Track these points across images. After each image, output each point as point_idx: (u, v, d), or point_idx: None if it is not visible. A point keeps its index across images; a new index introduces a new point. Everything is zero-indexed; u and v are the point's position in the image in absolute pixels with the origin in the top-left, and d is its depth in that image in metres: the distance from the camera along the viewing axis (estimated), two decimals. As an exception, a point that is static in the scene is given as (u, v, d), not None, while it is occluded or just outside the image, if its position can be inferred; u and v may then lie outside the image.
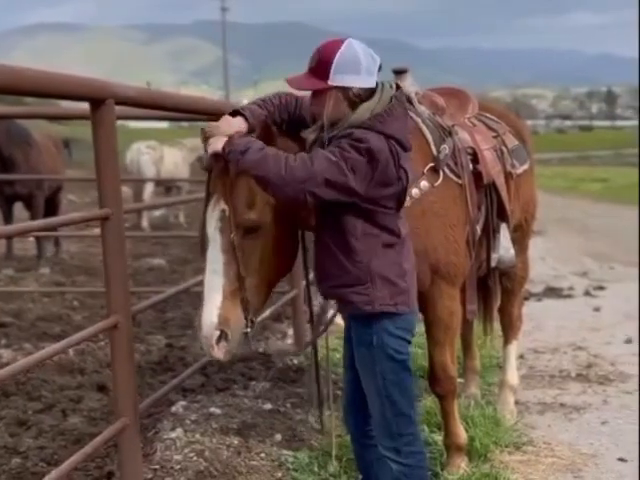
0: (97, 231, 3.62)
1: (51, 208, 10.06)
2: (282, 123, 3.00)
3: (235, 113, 2.91)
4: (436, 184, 3.41)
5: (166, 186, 15.01)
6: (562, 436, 4.48)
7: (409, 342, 2.97)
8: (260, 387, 4.82)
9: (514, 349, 4.82)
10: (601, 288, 9.08)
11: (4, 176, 9.13)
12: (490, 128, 4.12)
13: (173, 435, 3.87)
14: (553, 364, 5.95)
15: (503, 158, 4.05)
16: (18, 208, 10.10)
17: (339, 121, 2.76)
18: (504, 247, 4.00)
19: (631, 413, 4.83)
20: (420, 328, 3.73)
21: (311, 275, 3.26)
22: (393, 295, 2.83)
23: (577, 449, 4.29)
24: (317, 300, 3.83)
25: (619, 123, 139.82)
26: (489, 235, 3.89)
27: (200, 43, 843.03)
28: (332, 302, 3.35)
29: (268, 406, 4.46)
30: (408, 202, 3.22)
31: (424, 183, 3.37)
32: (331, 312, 3.64)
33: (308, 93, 2.88)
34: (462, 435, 3.78)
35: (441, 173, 3.45)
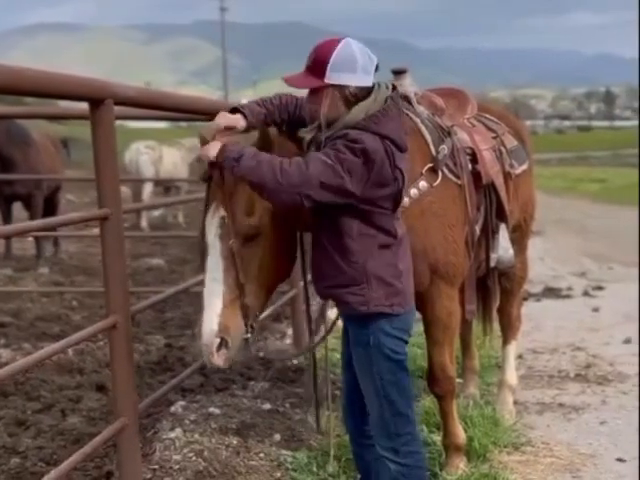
0: (96, 231, 3.62)
1: (50, 208, 10.05)
2: (282, 123, 3.01)
3: (234, 110, 2.92)
4: (435, 184, 3.41)
5: (165, 186, 15.01)
6: (561, 436, 4.48)
7: (406, 342, 2.97)
8: (259, 387, 4.82)
9: (513, 349, 4.83)
10: (600, 288, 9.09)
11: (3, 176, 9.12)
12: (489, 128, 4.13)
13: (172, 435, 3.87)
14: (552, 364, 5.96)
15: (502, 158, 4.06)
16: (17, 208, 10.10)
17: (335, 120, 2.77)
18: (503, 247, 4.00)
19: (629, 413, 4.84)
20: (419, 328, 3.73)
21: (309, 277, 3.25)
22: (389, 296, 2.84)
23: (576, 449, 4.30)
24: (315, 301, 3.84)
25: (618, 123, 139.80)
26: (488, 235, 3.89)
27: (200, 43, 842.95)
28: (331, 303, 3.35)
29: (267, 406, 4.46)
30: (407, 202, 3.24)
31: (423, 183, 3.38)
32: (330, 313, 3.64)
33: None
34: (461, 435, 3.78)
35: (440, 173, 3.45)
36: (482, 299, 4.52)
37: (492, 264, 4.00)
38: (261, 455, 3.83)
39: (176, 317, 6.95)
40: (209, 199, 2.89)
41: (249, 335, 2.87)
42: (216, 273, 2.80)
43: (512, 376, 4.74)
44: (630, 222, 14.36)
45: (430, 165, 3.43)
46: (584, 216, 17.52)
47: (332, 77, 2.74)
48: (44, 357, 2.79)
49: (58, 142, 10.82)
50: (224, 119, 2.88)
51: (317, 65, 2.76)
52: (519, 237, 4.47)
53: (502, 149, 4.10)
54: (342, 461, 3.75)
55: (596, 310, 7.92)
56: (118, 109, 3.05)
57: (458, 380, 4.27)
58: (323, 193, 2.65)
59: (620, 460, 4.16)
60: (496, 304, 4.57)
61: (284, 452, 3.90)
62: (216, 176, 2.81)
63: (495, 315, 4.75)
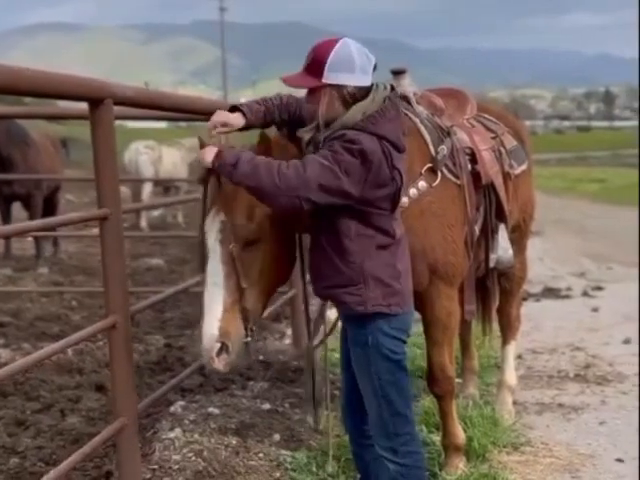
0: (95, 231, 3.62)
1: (49, 208, 10.05)
2: (282, 122, 3.02)
3: (233, 109, 2.93)
4: (434, 184, 3.41)
5: (164, 186, 15.00)
6: (560, 436, 4.49)
7: (404, 342, 2.97)
8: (258, 387, 4.82)
9: (512, 349, 4.83)
10: (599, 289, 9.09)
11: (2, 176, 9.11)
12: (488, 129, 4.13)
13: (172, 435, 3.87)
14: (551, 364, 5.96)
15: (501, 159, 4.06)
16: (16, 208, 10.10)
17: (333, 120, 2.77)
18: (502, 247, 4.00)
19: (629, 413, 4.84)
20: (418, 328, 3.73)
21: (307, 278, 3.25)
22: (386, 296, 2.84)
23: (575, 449, 4.30)
24: (315, 301, 3.84)
25: (617, 124, 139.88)
26: (487, 235, 3.89)
27: (199, 43, 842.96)
28: (330, 304, 3.35)
29: (266, 406, 4.46)
30: (406, 202, 3.24)
31: (422, 183, 3.38)
32: (330, 314, 3.64)
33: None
34: (460, 435, 3.78)
35: (439, 173, 3.45)
36: (481, 299, 4.52)
37: (491, 264, 4.00)
38: (260, 455, 3.84)
39: (175, 317, 6.95)
40: (208, 203, 2.89)
41: (249, 339, 2.88)
42: (216, 277, 2.81)
43: (511, 376, 4.74)
44: (629, 222, 14.36)
45: (429, 165, 3.43)
46: (583, 216, 17.53)
47: (330, 77, 2.74)
48: (43, 357, 2.79)
49: (57, 142, 10.81)
50: (221, 117, 2.89)
51: (315, 65, 2.76)
52: (518, 237, 4.47)
53: (501, 149, 4.10)
54: (341, 461, 3.75)
55: (595, 310, 7.92)
56: (117, 109, 3.05)
57: (457, 380, 4.28)
58: (322, 195, 2.65)
59: (619, 460, 4.16)
60: (495, 304, 4.57)
61: (283, 452, 3.90)
62: (214, 180, 2.82)
63: (494, 315, 4.75)
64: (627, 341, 6.52)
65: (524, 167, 4.34)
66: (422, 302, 3.42)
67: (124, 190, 13.18)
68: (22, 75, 2.44)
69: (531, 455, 4.18)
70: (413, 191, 3.33)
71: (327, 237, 2.82)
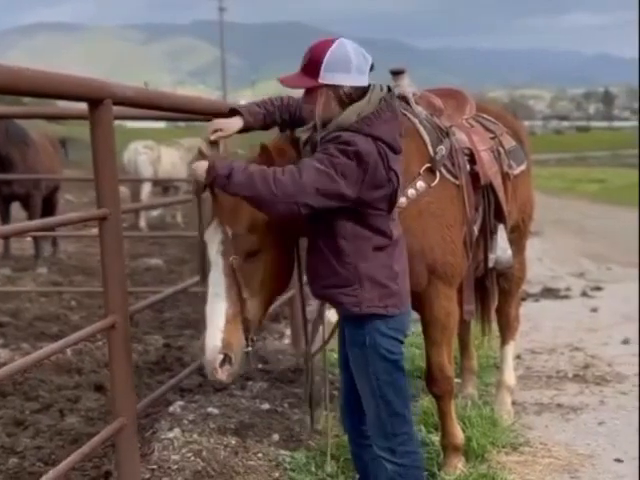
0: (95, 231, 3.62)
1: (48, 208, 10.05)
2: (283, 123, 3.03)
3: (232, 112, 2.93)
4: (433, 184, 3.41)
5: (163, 186, 15.00)
6: (559, 437, 4.49)
7: (402, 342, 2.98)
8: (257, 387, 4.82)
9: (511, 349, 4.83)
10: (598, 289, 9.09)
11: (1, 176, 9.11)
12: (487, 129, 4.13)
13: (171, 435, 3.87)
14: (550, 365, 5.96)
15: (500, 159, 4.06)
16: (15, 208, 10.09)
17: (330, 120, 2.77)
18: (501, 248, 4.00)
19: (628, 414, 4.84)
20: (417, 328, 3.74)
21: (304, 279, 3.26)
22: (383, 297, 2.84)
23: (574, 450, 4.30)
24: (314, 301, 3.84)
25: (616, 124, 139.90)
26: (486, 236, 3.89)
27: (198, 43, 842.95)
28: (329, 304, 3.35)
29: (266, 406, 4.46)
30: (404, 202, 3.24)
31: (420, 184, 3.38)
32: (329, 315, 3.64)
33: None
34: (459, 435, 3.79)
35: (438, 174, 3.45)
36: (480, 299, 4.53)
37: (490, 264, 4.00)
38: (259, 455, 3.84)
39: (174, 317, 6.95)
40: (208, 215, 2.90)
41: (250, 348, 2.90)
42: (219, 289, 2.82)
43: (510, 376, 4.74)
44: (629, 222, 14.38)
45: (428, 165, 3.43)
46: (583, 216, 17.54)
47: (326, 77, 2.75)
48: (42, 357, 2.79)
49: (56, 142, 10.82)
50: (218, 123, 2.92)
51: (311, 65, 2.77)
52: (517, 237, 4.48)
53: (500, 149, 4.10)
54: (340, 461, 3.75)
55: (594, 310, 7.92)
56: (116, 109, 3.05)
57: (456, 380, 4.27)
58: (320, 199, 2.65)
59: (618, 460, 4.17)
60: (494, 304, 4.57)
61: (282, 452, 3.90)
62: (210, 193, 2.83)
63: (493, 315, 4.75)
64: (626, 341, 6.53)
65: (523, 167, 4.34)
66: (421, 302, 3.43)
67: (123, 190, 13.18)
68: (22, 75, 2.43)
69: (530, 455, 4.19)
70: (411, 191, 3.33)
71: (323, 238, 2.83)
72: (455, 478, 3.68)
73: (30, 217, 9.52)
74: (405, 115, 3.47)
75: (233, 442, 3.89)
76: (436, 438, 3.95)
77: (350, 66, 2.75)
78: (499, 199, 3.90)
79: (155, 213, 14.91)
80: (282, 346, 5.97)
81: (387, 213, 2.84)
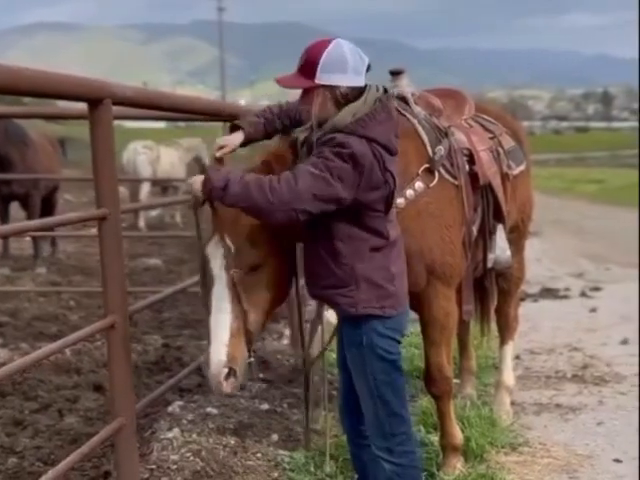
0: (94, 231, 3.62)
1: (48, 208, 10.04)
2: (285, 129, 3.05)
3: (234, 127, 3.02)
4: (431, 185, 3.42)
5: (162, 186, 15.00)
6: (558, 437, 4.49)
7: (399, 342, 2.98)
8: (257, 387, 4.82)
9: (510, 350, 4.83)
10: (597, 289, 9.10)
11: (1, 176, 9.10)
12: (487, 129, 4.13)
13: (170, 435, 3.87)
14: (549, 365, 5.97)
15: (499, 159, 4.06)
16: (14, 208, 10.09)
17: (326, 121, 2.78)
18: (500, 248, 4.00)
19: (627, 414, 4.85)
20: (416, 328, 3.74)
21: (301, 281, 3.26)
22: (379, 298, 2.85)
23: (573, 450, 4.30)
24: (312, 302, 3.84)
25: (615, 124, 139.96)
26: (485, 236, 3.89)
27: (197, 43, 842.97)
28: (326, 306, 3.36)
29: (265, 406, 4.46)
30: (403, 203, 3.25)
31: (419, 184, 3.38)
32: (328, 315, 3.64)
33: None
34: (458, 436, 3.79)
35: (436, 174, 3.45)
36: (479, 300, 4.53)
37: (489, 265, 4.00)
38: (258, 455, 3.84)
39: (174, 317, 6.95)
40: (209, 228, 2.91)
41: (252, 359, 2.92)
42: (223, 303, 2.83)
43: (509, 377, 4.75)
44: (628, 223, 14.39)
45: (426, 166, 3.43)
46: (582, 217, 17.55)
47: (322, 78, 2.75)
48: (42, 357, 2.79)
49: (56, 142, 10.81)
50: (220, 141, 2.99)
51: (308, 66, 2.77)
52: (516, 238, 4.48)
53: (499, 150, 4.10)
54: (339, 461, 3.75)
55: (593, 311, 7.93)
56: (116, 109, 3.05)
57: (455, 380, 4.28)
58: (317, 204, 2.66)
59: (617, 461, 4.17)
60: (493, 305, 4.58)
61: (281, 452, 3.90)
62: (209, 206, 2.84)
63: (492, 316, 4.76)
64: (625, 342, 6.53)
65: (522, 167, 4.34)
66: (420, 302, 3.43)
67: (122, 190, 13.17)
68: (22, 75, 2.43)
69: (529, 455, 4.19)
70: (410, 192, 3.33)
71: (320, 240, 2.83)
72: (454, 478, 3.68)
73: (29, 217, 9.51)
74: (404, 115, 3.48)
75: (232, 442, 3.89)
76: (435, 438, 3.95)
77: (346, 67, 2.75)
78: (498, 199, 3.90)
79: (154, 213, 14.91)
80: (281, 346, 5.96)
81: (384, 214, 2.84)
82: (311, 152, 2.79)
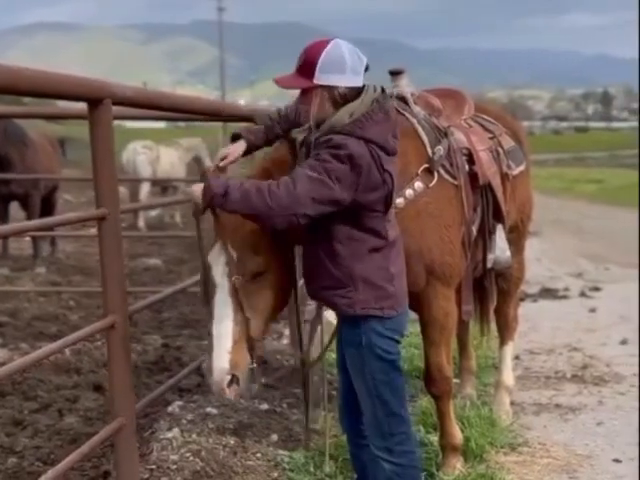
0: (93, 231, 3.62)
1: (47, 208, 10.04)
2: (285, 133, 3.06)
3: (235, 137, 3.04)
4: (431, 185, 3.42)
5: (162, 186, 15.00)
6: (557, 437, 4.49)
7: (398, 342, 2.98)
8: (256, 387, 4.81)
9: (510, 350, 4.83)
10: (596, 289, 9.10)
11: (0, 175, 9.11)
12: (486, 129, 4.13)
13: (169, 435, 3.87)
14: (549, 365, 5.97)
15: (499, 159, 4.06)
16: (14, 208, 10.09)
17: (324, 121, 2.78)
18: (500, 248, 4.00)
19: (626, 414, 4.85)
20: (416, 328, 3.74)
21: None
22: (378, 299, 2.85)
23: (572, 450, 4.31)
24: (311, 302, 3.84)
25: (615, 125, 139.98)
26: (485, 236, 3.89)
27: (197, 43, 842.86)
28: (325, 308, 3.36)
29: (264, 406, 4.46)
30: (402, 203, 3.25)
31: (418, 184, 3.38)
32: (328, 315, 3.64)
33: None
34: (458, 435, 3.79)
35: (436, 174, 3.45)
36: (479, 300, 4.53)
37: (489, 265, 4.00)
38: (258, 455, 3.84)
39: (173, 317, 6.95)
40: (211, 236, 2.91)
41: (254, 365, 2.92)
42: (226, 311, 2.84)
43: (509, 377, 4.75)
44: (627, 223, 14.40)
45: (426, 166, 3.43)
46: (581, 217, 17.56)
47: (321, 78, 2.75)
48: (41, 357, 2.79)
49: (55, 142, 10.81)
50: (223, 151, 3.01)
51: (306, 66, 2.77)
52: (516, 238, 4.48)
53: (499, 150, 4.10)
54: (339, 461, 3.75)
55: (593, 311, 7.93)
56: (116, 109, 3.05)
57: (455, 381, 4.28)
58: (316, 207, 2.66)
59: (617, 461, 4.17)
60: (493, 305, 4.58)
61: (281, 452, 3.90)
62: (211, 213, 2.84)
63: (492, 316, 4.76)
64: (624, 342, 6.53)
65: (522, 168, 4.34)
66: (419, 302, 3.43)
67: (122, 190, 13.17)
68: (22, 75, 2.43)
69: (528, 455, 4.19)
70: (409, 192, 3.33)
71: (319, 241, 2.84)
72: (454, 478, 3.68)
73: (29, 217, 9.51)
74: (403, 115, 3.48)
75: (232, 442, 3.89)
76: (435, 438, 3.95)
77: (345, 67, 2.75)
78: (498, 199, 3.90)
79: (154, 213, 14.91)
80: (281, 346, 5.97)
81: (383, 214, 2.84)
82: (310, 152, 2.79)
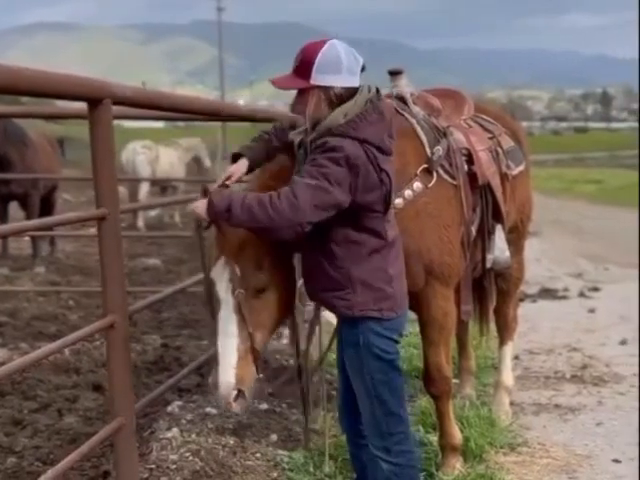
0: (93, 231, 3.62)
1: (46, 207, 10.04)
2: (284, 146, 3.07)
3: (236, 156, 3.05)
4: (430, 185, 3.42)
5: (162, 186, 15.01)
6: (557, 437, 4.49)
7: (397, 342, 2.98)
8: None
9: (509, 350, 4.83)
10: (596, 289, 9.11)
11: (0, 175, 9.11)
12: (486, 129, 4.13)
13: (169, 435, 3.87)
14: (548, 365, 5.97)
15: (498, 159, 4.06)
16: (13, 207, 10.09)
17: (320, 122, 2.78)
18: (499, 248, 4.00)
19: (626, 414, 4.85)
20: (415, 328, 3.74)
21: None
22: (377, 301, 2.85)
23: (572, 450, 4.31)
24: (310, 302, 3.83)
25: (614, 125, 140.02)
26: (484, 236, 3.90)
27: (197, 43, 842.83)
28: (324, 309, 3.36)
29: (264, 406, 4.46)
30: (401, 203, 3.25)
31: (417, 184, 3.38)
32: (327, 315, 3.64)
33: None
34: (457, 436, 3.79)
35: (435, 174, 3.45)
36: (478, 300, 4.53)
37: (488, 265, 4.00)
38: (258, 455, 3.84)
39: (173, 317, 6.95)
40: (214, 251, 2.92)
41: (260, 375, 2.94)
42: (230, 327, 2.85)
43: (508, 377, 4.75)
44: (626, 223, 14.41)
45: (425, 166, 3.43)
46: (580, 217, 17.57)
47: (317, 78, 2.75)
48: (41, 357, 2.78)
49: (55, 141, 10.81)
50: (227, 172, 3.02)
51: (303, 66, 2.77)
52: (516, 238, 4.48)
53: (499, 150, 4.10)
54: (338, 461, 3.75)
55: (592, 311, 7.93)
56: (115, 109, 3.05)
57: (454, 381, 4.28)
58: (319, 213, 2.67)
59: (616, 461, 4.17)
60: (493, 305, 4.58)
61: (280, 452, 3.90)
62: (214, 229, 2.85)
63: (491, 316, 4.76)
64: (624, 342, 6.54)
65: (521, 168, 4.34)
66: (418, 302, 3.43)
67: (121, 190, 13.17)
68: (22, 75, 2.43)
69: (528, 456, 4.19)
70: (408, 192, 3.33)
71: (317, 243, 2.84)
72: (453, 478, 3.68)
73: (28, 217, 9.51)
74: (402, 115, 3.48)
75: (231, 442, 3.89)
76: (434, 438, 3.95)
77: (341, 67, 2.75)
78: (497, 199, 3.90)
79: (153, 213, 14.92)
80: (280, 346, 5.96)
81: (383, 214, 2.85)
82: (307, 154, 2.80)
